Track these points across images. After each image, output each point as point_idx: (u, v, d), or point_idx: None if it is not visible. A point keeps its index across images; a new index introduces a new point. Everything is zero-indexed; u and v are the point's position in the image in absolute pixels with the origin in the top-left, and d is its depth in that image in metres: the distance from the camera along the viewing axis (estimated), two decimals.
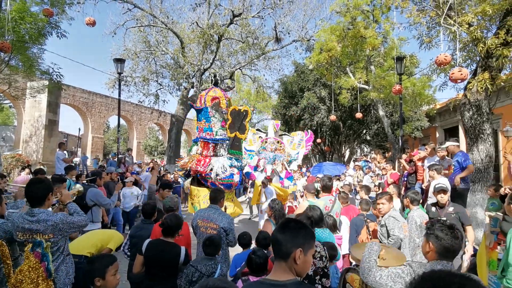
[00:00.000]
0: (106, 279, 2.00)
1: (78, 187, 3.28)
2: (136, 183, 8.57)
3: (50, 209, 2.81)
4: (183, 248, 2.90)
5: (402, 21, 8.96)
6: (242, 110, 6.07)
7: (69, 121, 79.94)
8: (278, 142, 9.39)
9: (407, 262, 1.94)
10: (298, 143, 10.48)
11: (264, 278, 1.57)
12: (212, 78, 6.38)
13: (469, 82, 6.29)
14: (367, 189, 6.67)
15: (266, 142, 9.23)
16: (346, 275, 2.75)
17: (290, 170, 9.75)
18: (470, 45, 6.84)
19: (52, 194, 2.57)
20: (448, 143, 6.06)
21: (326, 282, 2.61)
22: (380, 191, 7.26)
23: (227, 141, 6.07)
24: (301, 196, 7.17)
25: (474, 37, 5.93)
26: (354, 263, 4.36)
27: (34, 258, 1.91)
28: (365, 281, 1.99)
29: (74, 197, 3.24)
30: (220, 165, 5.71)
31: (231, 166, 5.88)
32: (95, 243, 3.45)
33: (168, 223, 2.89)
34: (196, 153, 6.01)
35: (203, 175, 5.60)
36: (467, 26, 6.01)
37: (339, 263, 3.80)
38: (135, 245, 3.56)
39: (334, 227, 4.07)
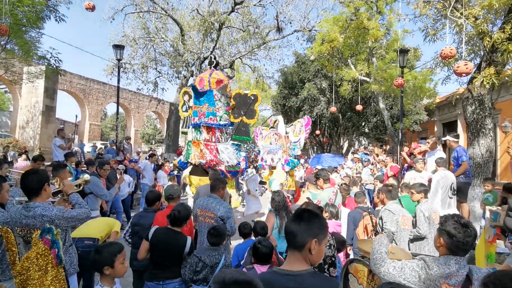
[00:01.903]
0: (114, 268, 2.00)
1: (86, 176, 3.23)
2: (126, 170, 8.60)
3: (50, 199, 2.76)
4: (189, 238, 2.88)
5: (406, 13, 8.85)
6: (249, 95, 5.88)
7: (66, 107, 79.16)
8: (280, 136, 9.73)
9: (420, 256, 1.94)
10: (299, 129, 10.67)
11: (278, 268, 1.57)
12: (213, 59, 6.09)
13: (473, 77, 6.26)
14: (354, 182, 6.71)
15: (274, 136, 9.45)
16: (349, 266, 2.76)
17: (293, 154, 9.84)
18: (475, 38, 6.79)
19: (48, 184, 2.49)
20: (447, 137, 6.12)
21: (333, 271, 2.62)
22: (379, 183, 7.30)
23: (231, 127, 5.87)
24: (301, 187, 7.21)
25: (480, 30, 5.87)
26: (351, 255, 4.42)
27: (43, 245, 1.88)
28: (376, 272, 1.99)
29: (81, 187, 3.19)
30: (228, 152, 5.56)
31: (237, 153, 5.77)
32: (103, 227, 3.50)
33: (176, 215, 2.87)
34: (196, 139, 5.73)
35: (212, 164, 5.44)
36: (473, 19, 5.95)
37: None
38: (137, 233, 3.56)
39: (336, 217, 4.11)
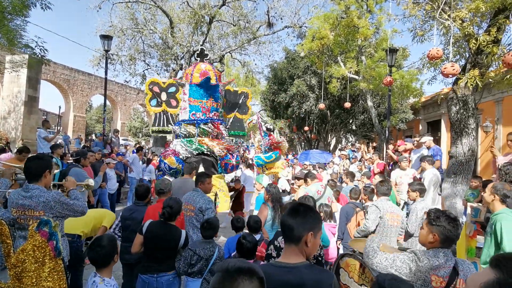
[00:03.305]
0: (118, 254, 2.18)
1: (91, 181, 3.20)
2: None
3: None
4: (183, 232, 2.90)
5: (396, 13, 9.00)
6: (239, 92, 6.00)
7: (48, 98, 76.75)
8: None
9: (411, 250, 2.03)
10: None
11: (275, 260, 1.62)
12: (198, 52, 5.99)
13: (458, 78, 6.44)
14: (352, 176, 6.84)
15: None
16: (340, 261, 2.83)
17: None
18: (461, 40, 6.97)
19: (49, 172, 2.53)
20: (425, 138, 6.54)
21: None
22: (365, 179, 7.46)
23: (224, 123, 5.94)
24: (292, 185, 7.31)
25: (466, 32, 6.04)
26: (341, 249, 4.53)
27: (40, 237, 1.87)
28: (369, 263, 2.08)
29: (83, 189, 3.18)
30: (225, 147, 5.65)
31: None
32: (88, 221, 3.43)
33: (169, 212, 2.87)
34: (203, 135, 5.53)
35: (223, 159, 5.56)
36: (460, 21, 6.11)
37: (332, 251, 3.91)
38: (128, 227, 3.53)
39: (330, 216, 4.18)
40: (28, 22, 8.48)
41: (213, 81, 5.46)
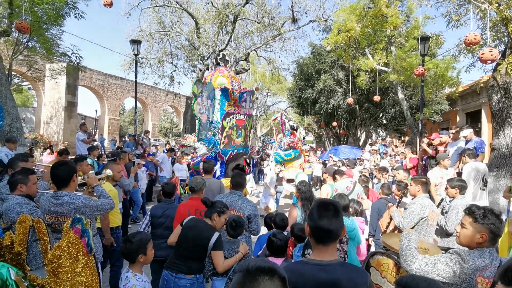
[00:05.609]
0: (147, 255, 2.18)
1: (108, 172, 3.34)
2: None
3: (79, 193, 2.91)
4: (216, 234, 2.69)
5: None
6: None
7: (85, 102, 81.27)
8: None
9: (454, 250, 1.88)
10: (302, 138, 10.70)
11: (308, 258, 1.59)
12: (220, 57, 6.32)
13: (498, 64, 6.01)
14: (384, 171, 6.57)
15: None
16: (370, 259, 2.73)
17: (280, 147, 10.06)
18: (499, 25, 6.50)
19: (76, 175, 2.61)
20: (466, 132, 6.23)
21: None
22: (401, 173, 7.13)
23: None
24: (321, 181, 7.25)
25: (503, 16, 5.63)
26: (372, 246, 4.38)
27: (74, 234, 1.98)
28: (408, 269, 1.93)
29: (104, 181, 3.31)
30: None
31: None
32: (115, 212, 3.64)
33: (207, 202, 2.86)
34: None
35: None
36: (497, 5, 5.70)
37: (361, 247, 3.80)
38: (161, 225, 3.58)
39: (360, 213, 4.07)
40: (64, 32, 9.02)
41: (228, 86, 6.00)
